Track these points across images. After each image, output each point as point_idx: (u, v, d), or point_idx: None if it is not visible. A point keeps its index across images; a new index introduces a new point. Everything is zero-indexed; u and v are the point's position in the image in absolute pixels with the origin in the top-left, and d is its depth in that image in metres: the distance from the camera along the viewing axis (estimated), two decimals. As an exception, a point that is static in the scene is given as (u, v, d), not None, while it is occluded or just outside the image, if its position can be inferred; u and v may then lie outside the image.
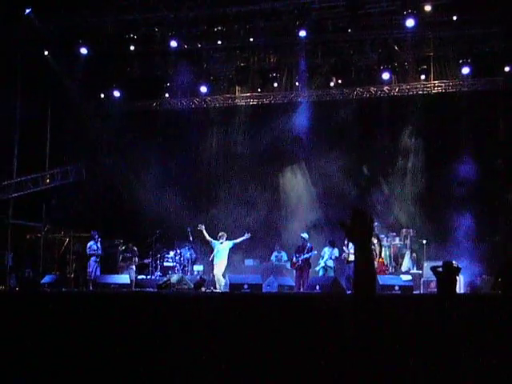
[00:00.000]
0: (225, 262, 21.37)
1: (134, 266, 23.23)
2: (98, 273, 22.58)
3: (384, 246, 22.61)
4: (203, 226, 21.51)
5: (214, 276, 21.44)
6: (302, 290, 20.93)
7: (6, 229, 25.08)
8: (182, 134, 26.27)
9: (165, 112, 27.13)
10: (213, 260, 21.57)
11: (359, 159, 25.02)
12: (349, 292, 19.60)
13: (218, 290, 20.65)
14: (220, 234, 21.65)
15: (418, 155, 24.69)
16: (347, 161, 24.67)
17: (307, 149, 25.36)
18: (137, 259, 23.35)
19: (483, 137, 23.53)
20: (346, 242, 21.20)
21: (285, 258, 23.86)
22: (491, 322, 6.43)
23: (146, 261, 23.70)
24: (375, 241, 20.73)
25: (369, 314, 3.57)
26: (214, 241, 21.53)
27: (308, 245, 21.91)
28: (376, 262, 20.70)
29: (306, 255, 21.69)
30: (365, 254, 3.52)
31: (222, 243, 21.43)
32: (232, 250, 21.91)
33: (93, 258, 22.67)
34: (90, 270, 22.50)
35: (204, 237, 21.67)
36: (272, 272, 22.20)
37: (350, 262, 20.88)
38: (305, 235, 22.33)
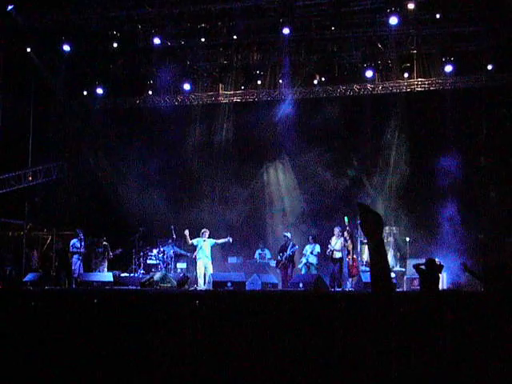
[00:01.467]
0: (209, 258, 21.36)
1: (104, 263, 23.16)
2: (82, 270, 22.51)
3: (367, 244, 22.66)
4: (187, 231, 21.46)
5: (196, 273, 21.43)
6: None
7: (-12, 227, 25.00)
8: (165, 132, 26.20)
9: (148, 109, 27.04)
10: (195, 258, 21.56)
11: (342, 156, 25.07)
12: (332, 290, 19.67)
13: (200, 288, 20.63)
14: (203, 230, 21.62)
15: (402, 153, 24.74)
16: (331, 158, 24.72)
17: (291, 146, 25.35)
18: (111, 254, 23.25)
19: (466, 134, 23.64)
20: (330, 240, 21.29)
21: (268, 255, 23.88)
22: (475, 319, 6.45)
23: (117, 251, 23.54)
24: (348, 238, 20.83)
25: (389, 312, 3.54)
26: (196, 239, 21.50)
27: (290, 243, 21.98)
28: (349, 259, 20.84)
29: (289, 252, 21.75)
30: (379, 248, 3.50)
31: (204, 240, 21.43)
32: (215, 248, 21.91)
33: (76, 256, 22.60)
34: (74, 267, 22.43)
35: (187, 241, 21.63)
36: (255, 270, 22.21)
37: (335, 259, 20.97)
38: (287, 234, 22.40)
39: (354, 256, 21.18)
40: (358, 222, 4.00)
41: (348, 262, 20.93)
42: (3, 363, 7.52)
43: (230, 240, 21.63)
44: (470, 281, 19.36)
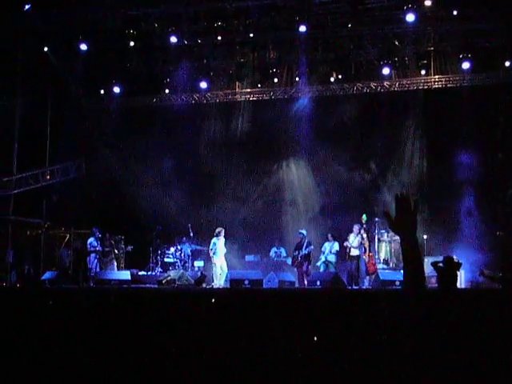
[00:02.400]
0: (223, 257, 21.44)
1: (113, 261, 23.24)
2: (99, 269, 22.58)
3: (385, 242, 22.63)
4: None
5: (213, 272, 21.49)
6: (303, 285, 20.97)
7: (7, 225, 25.06)
8: (182, 130, 26.20)
9: (164, 108, 27.07)
10: (212, 257, 21.62)
11: (360, 154, 25.01)
12: (349, 288, 19.63)
13: (216, 285, 20.68)
14: (218, 229, 21.69)
15: (419, 150, 24.67)
16: (348, 156, 24.68)
17: (307, 144, 25.31)
18: (118, 252, 23.30)
19: (484, 131, 23.51)
20: (348, 237, 21.29)
21: (284, 253, 23.85)
22: (492, 317, 6.40)
23: (128, 248, 23.61)
24: (365, 235, 20.81)
25: (421, 308, 3.52)
26: (212, 241, 21.61)
27: (305, 241, 21.94)
28: (366, 257, 20.81)
29: (305, 251, 21.74)
30: (412, 244, 3.46)
31: (219, 239, 21.50)
32: (232, 246, 21.97)
33: (93, 255, 22.68)
34: (91, 266, 22.50)
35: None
36: (272, 268, 22.20)
37: (352, 257, 20.95)
38: (303, 231, 22.37)
39: (371, 253, 21.16)
40: (392, 218, 3.94)
41: (365, 260, 20.90)
42: (21, 362, 7.55)
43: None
44: (488, 279, 19.28)
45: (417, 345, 3.69)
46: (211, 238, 21.83)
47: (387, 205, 24.08)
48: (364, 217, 20.64)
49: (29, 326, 8.60)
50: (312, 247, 21.92)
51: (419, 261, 3.81)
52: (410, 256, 3.82)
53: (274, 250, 24.10)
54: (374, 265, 21.04)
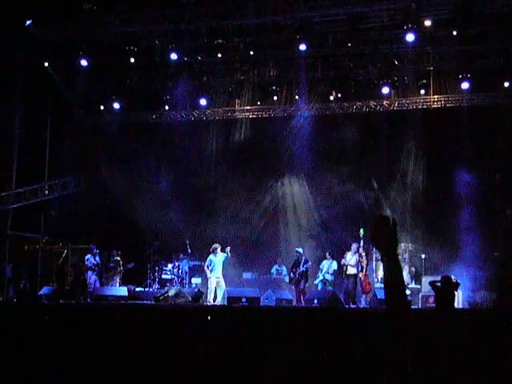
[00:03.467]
0: (221, 274, 21.40)
1: (116, 277, 23.22)
2: (98, 285, 22.56)
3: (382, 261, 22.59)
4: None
5: (208, 288, 21.47)
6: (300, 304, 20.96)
7: (5, 240, 25.05)
8: (181, 147, 26.24)
9: (164, 124, 27.11)
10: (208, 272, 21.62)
11: (359, 172, 25.04)
12: (346, 307, 19.59)
13: (210, 303, 20.65)
14: (214, 246, 21.68)
15: (418, 169, 24.70)
16: (347, 174, 24.72)
17: (306, 162, 25.33)
18: (121, 268, 23.30)
19: (482, 152, 23.55)
20: (345, 254, 21.29)
21: (285, 272, 23.84)
22: (490, 337, 6.41)
23: (129, 266, 23.58)
24: (363, 254, 20.82)
25: (404, 328, 3.51)
26: (208, 258, 21.60)
27: (302, 258, 21.94)
28: (361, 276, 20.81)
29: (303, 268, 21.73)
30: (391, 259, 3.46)
31: (216, 256, 21.48)
32: (230, 263, 21.94)
33: (90, 271, 22.69)
34: (90, 281, 22.49)
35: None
36: (270, 286, 22.16)
37: (349, 275, 20.93)
38: (299, 249, 22.37)
39: (367, 272, 21.14)
40: (370, 235, 3.98)
41: (361, 279, 20.90)
42: (18, 376, 7.54)
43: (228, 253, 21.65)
44: (486, 299, 19.30)
45: (413, 364, 3.68)
46: (208, 255, 21.82)
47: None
48: (361, 231, 20.63)
49: (25, 340, 8.60)
50: (310, 264, 21.92)
51: (398, 278, 3.82)
52: (389, 273, 3.84)
53: (275, 267, 24.11)
54: (369, 284, 21.03)
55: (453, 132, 23.73)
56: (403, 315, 3.68)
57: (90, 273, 22.63)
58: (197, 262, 23.93)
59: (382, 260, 3.86)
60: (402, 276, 3.88)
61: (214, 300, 20.99)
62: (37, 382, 7.56)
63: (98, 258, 22.68)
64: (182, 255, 23.92)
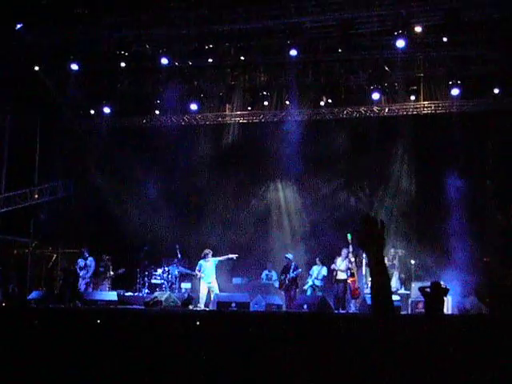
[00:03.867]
0: (213, 278, 21.37)
1: (106, 282, 23.13)
2: (90, 289, 22.49)
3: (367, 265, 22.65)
4: (198, 273, 21.62)
5: (199, 294, 21.46)
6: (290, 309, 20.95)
7: (-6, 244, 25.01)
8: (171, 151, 26.24)
9: (154, 129, 27.07)
10: (199, 279, 21.61)
11: (348, 177, 25.11)
12: (336, 312, 19.61)
13: (201, 308, 20.64)
14: (205, 251, 21.67)
15: (408, 175, 24.75)
16: (336, 179, 24.80)
17: (297, 167, 25.32)
18: (111, 273, 23.22)
19: (472, 158, 23.63)
20: (335, 260, 21.31)
21: (275, 277, 23.83)
22: (479, 343, 6.41)
23: (120, 271, 23.49)
24: (352, 259, 20.86)
25: (390, 333, 3.50)
26: (199, 263, 21.59)
27: (292, 264, 21.93)
28: (350, 281, 20.86)
29: (292, 274, 21.73)
30: (377, 261, 3.44)
31: (207, 261, 21.46)
32: (220, 268, 21.90)
33: (81, 275, 22.63)
34: (79, 286, 22.41)
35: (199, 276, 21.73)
36: (260, 291, 22.16)
37: (339, 280, 20.96)
38: (289, 255, 22.38)
39: (355, 278, 21.17)
40: (357, 236, 3.98)
41: (350, 284, 20.92)
42: (7, 381, 7.50)
43: (234, 257, 21.67)
44: (475, 304, 19.32)
45: (401, 370, 3.68)
46: (199, 260, 21.81)
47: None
48: (349, 236, 20.67)
49: (14, 345, 8.56)
50: (300, 270, 21.92)
51: (384, 283, 3.81)
52: (375, 277, 3.83)
53: (265, 272, 24.12)
54: (359, 289, 21.06)
55: (443, 138, 23.78)
56: (389, 320, 3.68)
57: (80, 278, 22.56)
58: (187, 270, 23.82)
59: (368, 264, 3.87)
60: (389, 280, 3.87)
61: (207, 306, 20.99)
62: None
63: (89, 262, 22.58)
64: (174, 260, 23.87)
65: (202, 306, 20.89)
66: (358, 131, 25.02)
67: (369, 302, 19.18)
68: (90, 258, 22.79)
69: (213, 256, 21.62)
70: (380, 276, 3.79)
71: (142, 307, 20.44)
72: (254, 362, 7.48)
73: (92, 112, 26.79)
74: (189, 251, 23.98)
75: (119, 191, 26.55)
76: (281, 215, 26.48)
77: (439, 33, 21.95)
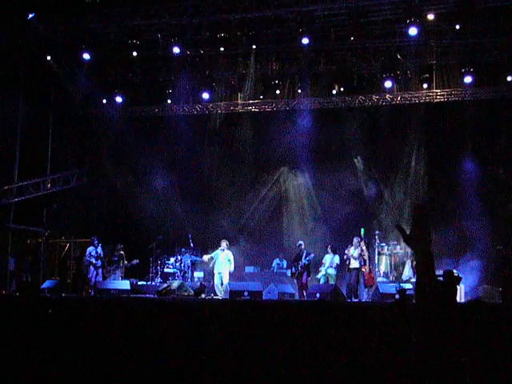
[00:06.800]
0: (224, 269, 21.41)
1: (119, 271, 23.07)
2: (100, 278, 22.47)
3: (385, 255, 22.62)
4: (205, 257, 21.72)
5: (214, 284, 21.52)
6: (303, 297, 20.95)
7: (7, 233, 25.05)
8: (184, 140, 26.23)
9: (166, 118, 27.07)
10: (213, 268, 21.66)
11: (361, 166, 25.10)
12: (349, 300, 19.60)
13: (218, 297, 20.69)
14: (222, 241, 21.70)
15: (420, 164, 24.68)
16: (349, 168, 24.75)
17: (309, 156, 25.28)
18: (126, 262, 23.19)
19: (485, 146, 23.55)
20: (347, 248, 21.26)
21: (285, 266, 23.79)
22: (492, 331, 6.40)
23: (134, 262, 23.46)
24: (364, 248, 20.81)
25: (435, 320, 3.52)
26: (214, 252, 21.64)
27: (304, 251, 21.89)
28: (365, 269, 20.80)
29: (305, 261, 21.66)
30: (426, 256, 3.42)
31: (223, 250, 21.51)
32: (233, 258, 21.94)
33: (95, 263, 22.65)
34: (90, 275, 22.37)
35: (208, 263, 21.80)
36: (273, 279, 22.16)
37: (351, 269, 20.91)
38: (301, 242, 22.34)
39: (371, 266, 21.15)
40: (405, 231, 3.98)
41: (364, 272, 20.88)
42: (21, 370, 7.54)
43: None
44: (488, 293, 19.30)
45: (415, 358, 3.69)
46: (211, 249, 21.88)
47: (388, 218, 24.17)
48: (362, 231, 20.66)
49: (28, 333, 8.61)
50: (312, 255, 21.80)
51: (432, 275, 3.83)
52: (423, 270, 3.84)
53: (276, 261, 24.05)
54: (372, 278, 21.02)
55: (455, 126, 23.73)
56: (433, 308, 3.70)
57: (91, 266, 22.54)
58: (200, 259, 23.81)
59: (414, 258, 3.86)
60: (434, 270, 3.88)
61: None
62: (39, 375, 7.57)
63: (100, 250, 22.54)
64: (184, 249, 23.90)
65: (219, 294, 20.97)
66: (371, 119, 24.97)
67: (382, 290, 19.19)
68: (99, 247, 22.70)
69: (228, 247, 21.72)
70: (426, 265, 3.80)
71: (155, 296, 20.50)
72: (266, 350, 7.49)
73: (104, 101, 26.78)
74: (201, 240, 24.00)
75: (132, 180, 26.60)
76: (293, 204, 26.47)
77: (452, 20, 21.87)
